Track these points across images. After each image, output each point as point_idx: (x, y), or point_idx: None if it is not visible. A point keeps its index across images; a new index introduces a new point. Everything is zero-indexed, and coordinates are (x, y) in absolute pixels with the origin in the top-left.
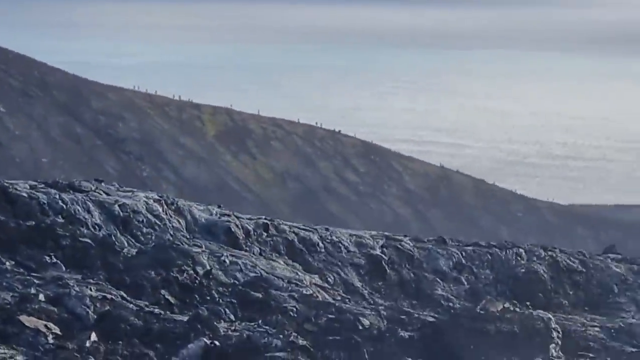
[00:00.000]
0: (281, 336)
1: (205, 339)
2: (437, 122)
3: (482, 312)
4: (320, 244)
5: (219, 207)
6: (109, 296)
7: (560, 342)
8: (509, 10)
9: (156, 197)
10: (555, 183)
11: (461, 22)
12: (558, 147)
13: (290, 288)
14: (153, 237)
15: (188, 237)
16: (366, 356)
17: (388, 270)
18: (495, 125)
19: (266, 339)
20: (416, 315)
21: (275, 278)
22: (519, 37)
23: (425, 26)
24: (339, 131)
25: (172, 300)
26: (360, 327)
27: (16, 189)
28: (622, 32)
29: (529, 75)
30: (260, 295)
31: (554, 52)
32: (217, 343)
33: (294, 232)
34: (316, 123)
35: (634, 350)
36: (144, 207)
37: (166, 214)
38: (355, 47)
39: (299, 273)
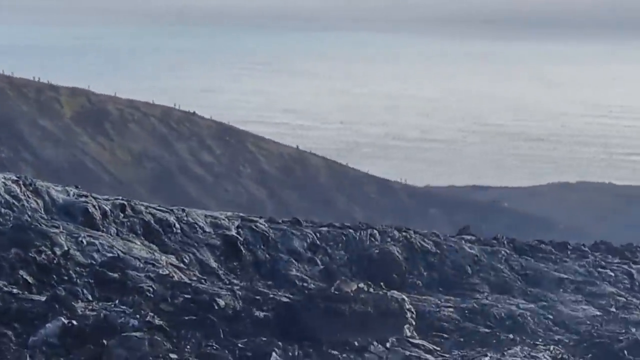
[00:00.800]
0: (138, 316)
1: (63, 319)
2: (290, 104)
3: (336, 292)
4: (177, 225)
5: (77, 188)
6: None
7: (414, 323)
8: None
9: (14, 178)
10: (409, 165)
11: (314, 3)
12: (412, 129)
13: (146, 268)
14: (11, 218)
15: (46, 217)
16: (222, 336)
17: (243, 251)
18: (349, 107)
19: (123, 318)
20: (271, 296)
21: (132, 258)
22: (372, 19)
23: (277, 7)
24: (194, 113)
25: (30, 280)
26: (216, 307)
27: None
28: (468, 13)
29: (381, 57)
30: (117, 276)
31: (404, 34)
32: (74, 323)
33: (150, 213)
34: (174, 105)
35: (487, 330)
36: (2, 188)
37: (24, 194)
38: (207, 29)
39: (156, 253)
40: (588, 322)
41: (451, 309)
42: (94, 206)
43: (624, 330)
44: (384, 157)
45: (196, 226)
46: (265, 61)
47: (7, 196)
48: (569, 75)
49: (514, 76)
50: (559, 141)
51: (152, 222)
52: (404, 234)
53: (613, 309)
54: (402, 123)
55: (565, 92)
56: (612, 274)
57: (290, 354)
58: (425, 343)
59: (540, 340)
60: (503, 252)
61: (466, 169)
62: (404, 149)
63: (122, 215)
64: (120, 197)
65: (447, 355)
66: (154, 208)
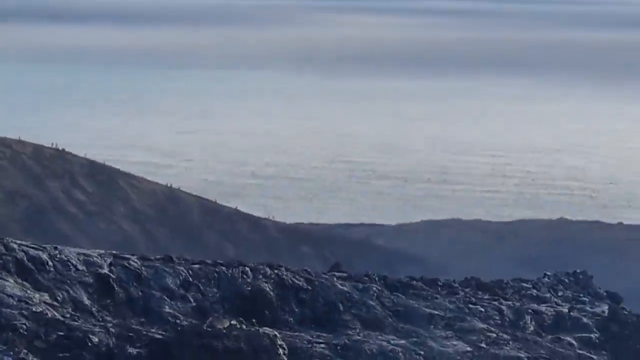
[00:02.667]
0: (11, 353)
1: None
2: (152, 142)
3: (209, 329)
4: (50, 263)
5: None
6: None
7: (286, 359)
8: (221, 30)
9: None
10: (281, 201)
11: (175, 41)
12: (272, 167)
13: (20, 306)
14: None
15: None
16: None
17: (116, 288)
18: (211, 145)
19: None
20: (144, 333)
21: (5, 296)
22: (235, 56)
23: (138, 44)
24: (64, 150)
25: None
26: (90, 344)
27: None
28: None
29: (243, 94)
30: None
31: (268, 71)
32: None
33: (23, 250)
34: (52, 144)
35: None
36: None
37: None
38: (68, 66)
39: (29, 291)
40: (459, 358)
41: (323, 345)
42: None
43: None
44: (251, 194)
45: (69, 264)
46: (126, 99)
47: None
48: (427, 112)
49: (375, 113)
50: (421, 179)
51: (25, 260)
52: (275, 271)
53: (484, 345)
54: (263, 160)
55: (425, 129)
56: (483, 309)
57: None
58: None
59: None
60: (374, 288)
61: (336, 206)
62: (268, 186)
63: None
64: None
65: None
66: (26, 246)
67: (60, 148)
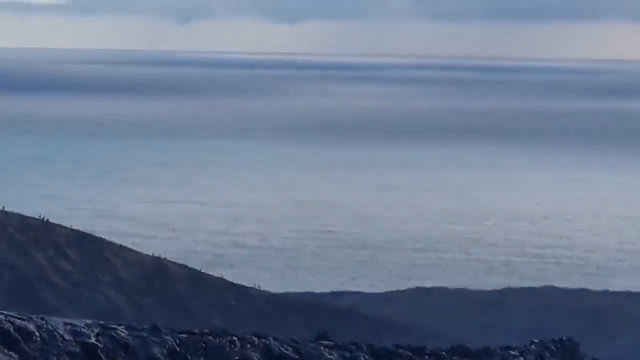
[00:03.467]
0: None
1: None
2: (134, 213)
3: None
4: (37, 333)
5: None
6: None
7: None
8: (204, 100)
9: None
10: (265, 271)
11: (158, 111)
12: (264, 236)
13: None
14: None
15: None
16: None
17: (104, 359)
18: (192, 216)
19: None
20: None
21: None
22: (218, 127)
23: (120, 115)
24: (47, 220)
25: None
26: None
27: None
28: (316, 121)
29: (224, 165)
30: None
31: (251, 141)
32: None
33: (9, 321)
34: (41, 216)
35: None
36: None
37: None
38: (47, 136)
39: None
40: None
41: None
42: None
43: None
44: (234, 264)
45: (56, 334)
46: (108, 169)
47: None
48: (411, 181)
49: (359, 183)
50: (407, 248)
51: (12, 330)
52: (263, 340)
53: None
54: (246, 230)
55: (409, 198)
56: None
57: None
58: None
59: None
60: (362, 357)
61: (323, 274)
62: (252, 256)
63: None
64: None
65: None
66: (13, 317)
67: (45, 219)
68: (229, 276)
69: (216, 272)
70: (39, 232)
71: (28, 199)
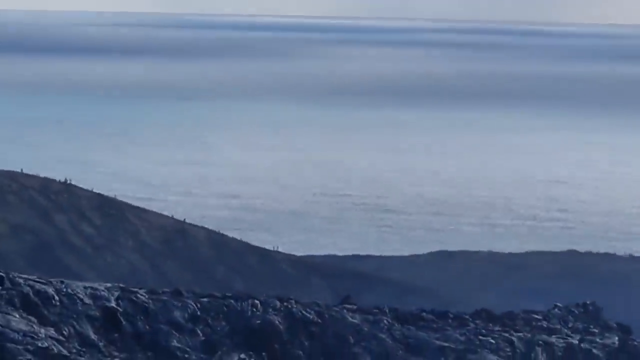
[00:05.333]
0: None
1: None
2: (169, 175)
3: None
4: (56, 297)
5: None
6: None
7: None
8: (217, 62)
9: None
10: (291, 234)
11: (170, 74)
12: (280, 199)
13: (25, 341)
14: None
15: None
16: None
17: (123, 322)
18: (228, 176)
19: None
20: None
21: (11, 331)
22: (229, 87)
23: (133, 76)
24: (70, 182)
25: None
26: None
27: None
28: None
29: (237, 126)
30: None
31: (265, 103)
32: None
33: (29, 285)
34: (66, 179)
35: None
36: None
37: None
38: (62, 98)
39: (35, 326)
40: None
41: None
42: None
43: None
44: (251, 227)
45: (76, 298)
46: (120, 131)
47: None
48: (424, 143)
49: (373, 146)
50: (426, 211)
51: (31, 294)
52: (285, 304)
53: None
54: (262, 193)
55: (426, 161)
56: (493, 341)
57: None
58: None
59: None
60: (385, 321)
61: (348, 238)
62: (282, 218)
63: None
64: None
65: None
66: (32, 280)
67: (68, 181)
68: (245, 240)
69: (242, 235)
70: (60, 194)
71: (43, 161)
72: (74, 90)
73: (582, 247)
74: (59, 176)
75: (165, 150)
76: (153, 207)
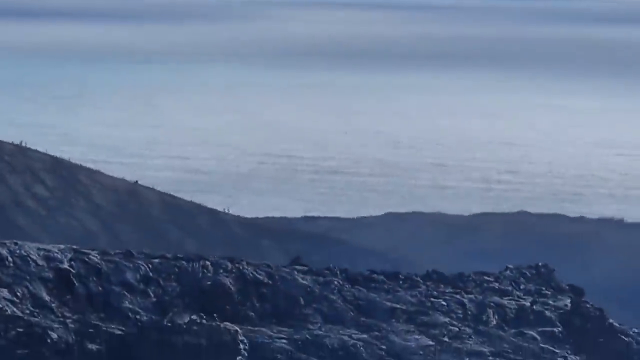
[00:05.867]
0: None
1: None
2: (131, 136)
3: (169, 324)
4: (9, 258)
5: None
6: None
7: (247, 354)
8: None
9: None
10: (242, 194)
11: (123, 36)
12: (228, 160)
13: None
14: None
15: None
16: None
17: (76, 284)
18: (178, 139)
19: None
20: (104, 329)
21: None
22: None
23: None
24: (24, 144)
25: None
26: (49, 341)
27: None
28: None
29: (189, 89)
30: None
31: (216, 65)
32: None
33: None
34: (21, 142)
35: None
36: None
37: None
38: (6, 60)
39: None
40: (421, 352)
41: (284, 340)
42: None
43: None
44: (199, 189)
45: (29, 259)
46: (72, 93)
47: None
48: (372, 105)
49: (323, 108)
50: (378, 173)
51: None
52: (236, 265)
53: (446, 339)
54: (212, 155)
55: (368, 123)
56: (445, 303)
57: None
58: None
59: None
60: (336, 282)
61: (298, 199)
62: (233, 181)
63: None
64: None
65: None
66: None
67: (23, 144)
68: (207, 200)
69: (192, 197)
70: (14, 156)
71: (7, 125)
72: (26, 52)
73: (533, 209)
74: (11, 139)
75: (117, 112)
76: (104, 169)
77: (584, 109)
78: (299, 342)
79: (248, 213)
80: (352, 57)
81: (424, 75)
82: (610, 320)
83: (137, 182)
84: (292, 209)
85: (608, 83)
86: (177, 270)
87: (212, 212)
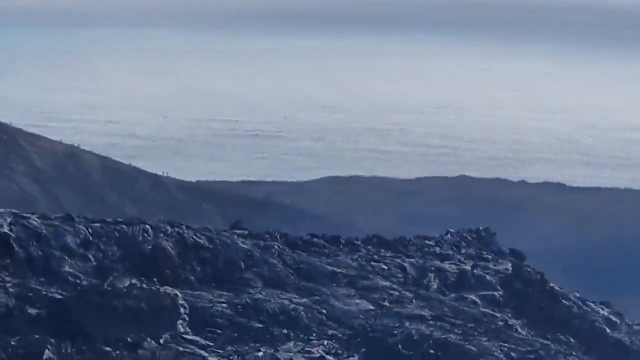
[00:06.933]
0: None
1: None
2: (67, 101)
3: (109, 288)
4: None
5: None
6: None
7: (187, 319)
8: None
9: None
10: (180, 159)
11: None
12: (180, 124)
13: None
14: None
15: None
16: None
17: (16, 248)
18: (113, 104)
19: None
20: (44, 293)
21: None
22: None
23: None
24: None
25: None
26: None
27: None
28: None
29: (112, 53)
30: None
31: (149, 30)
32: None
33: None
34: None
35: (261, 326)
36: None
37: None
38: None
39: None
40: (362, 317)
41: (224, 305)
42: None
43: (397, 324)
44: (135, 154)
45: None
46: (7, 59)
47: None
48: (302, 69)
49: (249, 73)
50: (318, 137)
51: None
52: (176, 229)
53: (386, 303)
54: (140, 120)
55: (297, 86)
56: (385, 267)
57: (63, 351)
58: (198, 339)
59: (313, 335)
60: (276, 246)
61: (239, 164)
62: (173, 144)
63: None
64: None
65: (220, 351)
66: None
67: None
68: (146, 164)
69: (132, 160)
70: None
71: None
72: None
73: (473, 173)
74: None
75: (51, 77)
76: (41, 133)
77: (520, 73)
78: (239, 306)
79: (187, 178)
80: (290, 22)
81: (359, 40)
82: (551, 284)
83: (78, 145)
84: (232, 174)
85: (547, 47)
86: (117, 234)
87: (152, 176)
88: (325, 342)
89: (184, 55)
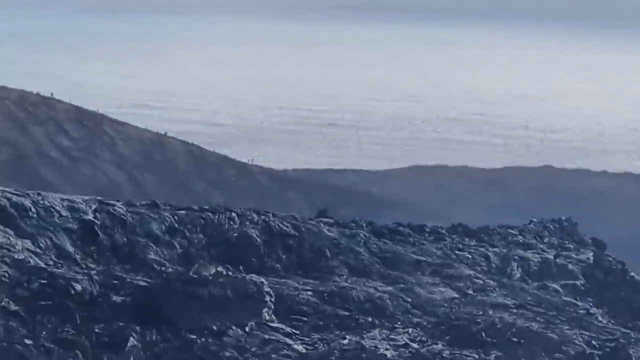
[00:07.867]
0: None
1: None
2: (147, 87)
3: (194, 276)
4: (33, 209)
5: None
6: None
7: (273, 306)
8: None
9: None
10: (270, 148)
11: None
12: (261, 113)
13: (2, 253)
14: None
15: None
16: (78, 321)
17: (101, 235)
18: (192, 91)
19: None
20: (129, 280)
21: None
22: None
23: None
24: (52, 96)
25: None
26: (73, 292)
27: None
28: None
29: (187, 41)
30: None
31: (223, 17)
32: None
33: (5, 197)
34: (52, 93)
35: (346, 314)
36: None
37: None
38: (16, 9)
39: (11, 238)
40: (446, 305)
41: (310, 292)
42: None
43: (481, 312)
44: (244, 139)
45: (52, 210)
46: (83, 44)
47: None
48: (384, 60)
49: (330, 62)
50: (404, 127)
51: (8, 206)
52: (262, 217)
53: (470, 291)
54: (218, 108)
55: (380, 77)
56: (470, 256)
57: (148, 338)
58: (284, 326)
59: (398, 322)
60: (362, 235)
61: (324, 152)
62: (262, 132)
63: None
64: None
65: (306, 339)
66: (9, 192)
67: (49, 94)
68: (234, 152)
69: (219, 149)
70: (38, 107)
71: (6, 74)
72: (36, 3)
73: (557, 164)
74: (47, 90)
75: (124, 64)
76: (126, 120)
77: (599, 63)
78: (325, 294)
79: (272, 166)
80: (368, 10)
81: (437, 30)
82: (632, 274)
83: (166, 134)
84: (316, 162)
85: (627, 37)
86: (202, 221)
87: (239, 164)
88: (410, 330)
89: (261, 43)
